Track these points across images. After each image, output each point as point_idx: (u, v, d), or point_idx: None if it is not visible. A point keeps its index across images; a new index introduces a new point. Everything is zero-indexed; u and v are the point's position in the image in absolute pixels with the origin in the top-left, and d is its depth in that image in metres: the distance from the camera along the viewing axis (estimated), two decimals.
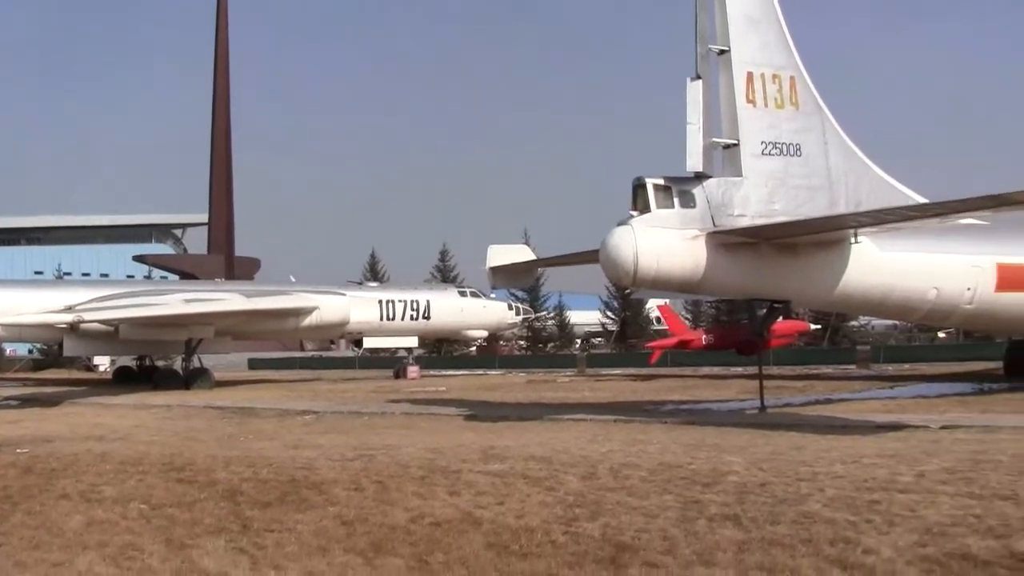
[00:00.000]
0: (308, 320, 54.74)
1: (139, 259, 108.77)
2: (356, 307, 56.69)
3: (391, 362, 66.34)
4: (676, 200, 24.47)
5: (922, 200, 27.38)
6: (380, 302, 58.46)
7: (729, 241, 24.76)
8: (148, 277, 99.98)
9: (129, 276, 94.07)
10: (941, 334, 72.87)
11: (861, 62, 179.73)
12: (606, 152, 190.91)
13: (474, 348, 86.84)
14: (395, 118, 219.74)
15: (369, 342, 62.32)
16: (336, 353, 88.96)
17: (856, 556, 10.19)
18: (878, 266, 27.05)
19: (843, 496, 13.14)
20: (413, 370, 59.63)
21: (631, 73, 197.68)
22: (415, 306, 59.76)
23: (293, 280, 61.17)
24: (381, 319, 58.39)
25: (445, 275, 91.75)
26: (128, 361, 62.18)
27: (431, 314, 60.14)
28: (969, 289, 29.27)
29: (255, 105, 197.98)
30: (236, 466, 18.01)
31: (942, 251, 28.67)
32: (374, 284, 69.53)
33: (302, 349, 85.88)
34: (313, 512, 13.73)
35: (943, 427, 21.61)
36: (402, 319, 59.16)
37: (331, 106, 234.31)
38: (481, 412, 30.23)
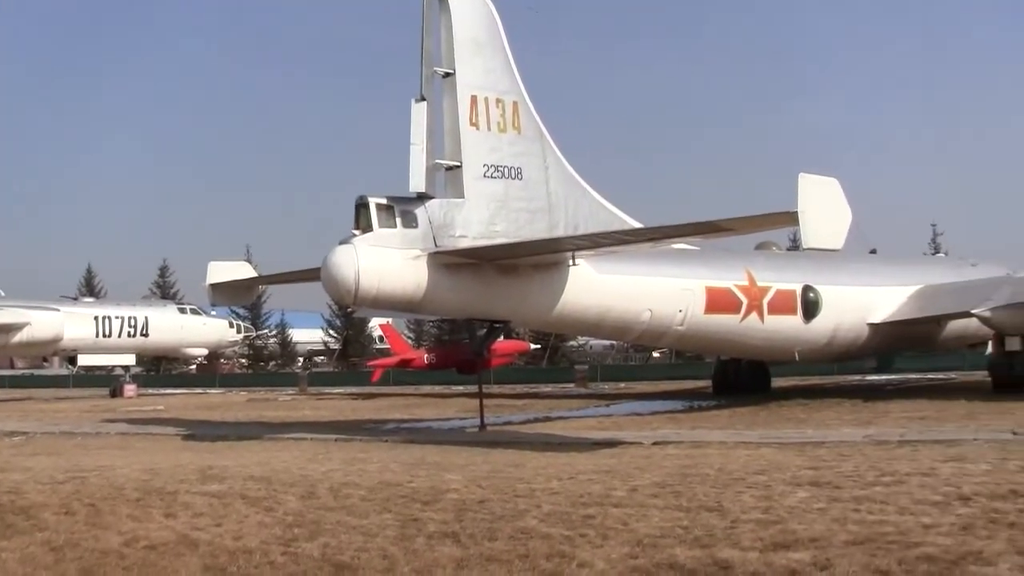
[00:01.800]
0: (18, 337, 52.56)
1: None
2: (70, 323, 54.80)
3: (107, 380, 64.21)
4: (399, 220, 24.57)
5: (637, 225, 28.34)
6: (96, 318, 56.67)
7: (451, 261, 25.03)
8: None
9: None
10: (655, 354, 75.34)
11: (582, 88, 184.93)
12: (331, 170, 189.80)
13: (194, 366, 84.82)
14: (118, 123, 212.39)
15: (84, 359, 60.26)
16: (49, 371, 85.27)
17: (571, 570, 10.46)
18: (595, 288, 27.87)
19: (559, 511, 13.44)
20: (130, 388, 58.03)
21: (357, 91, 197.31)
22: (133, 323, 58.20)
23: (2, 294, 58.41)
24: (97, 336, 56.61)
25: (165, 291, 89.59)
26: None
27: (149, 331, 58.67)
28: (681, 311, 30.50)
29: None
30: None
31: (656, 274, 29.80)
32: (90, 300, 67.37)
33: (12, 367, 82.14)
34: (19, 538, 13.14)
35: (655, 443, 22.33)
36: (119, 336, 57.52)
37: None
38: (200, 432, 29.56)
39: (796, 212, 21.39)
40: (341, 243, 24.44)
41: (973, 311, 34.31)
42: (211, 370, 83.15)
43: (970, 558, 10.13)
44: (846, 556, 10.35)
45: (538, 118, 27.35)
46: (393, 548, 11.73)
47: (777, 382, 42.98)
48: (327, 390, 60.04)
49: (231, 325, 64.66)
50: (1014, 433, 21.27)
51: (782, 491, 14.44)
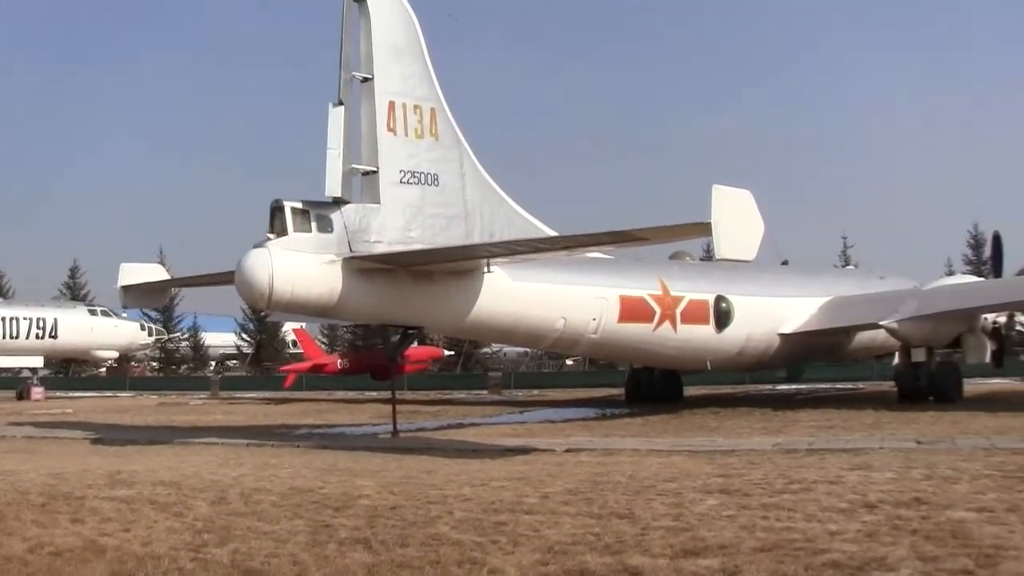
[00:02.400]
0: None
1: None
2: None
3: (14, 383, 63.11)
4: (314, 224, 24.43)
5: (553, 233, 28.46)
6: (3, 319, 55.66)
7: (365, 267, 24.95)
8: None
9: None
10: (569, 361, 75.66)
11: (502, 96, 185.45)
12: (247, 173, 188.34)
13: (104, 369, 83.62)
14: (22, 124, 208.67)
15: None
16: None
17: None
18: (510, 295, 27.95)
19: (471, 518, 13.46)
20: (37, 391, 57.27)
21: (274, 94, 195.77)
22: (41, 324, 57.35)
23: None
24: (3, 337, 55.67)
25: (75, 293, 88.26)
26: None
27: (58, 333, 57.85)
28: (594, 319, 30.68)
29: None
30: None
31: (570, 283, 29.95)
32: None
33: None
34: None
35: (568, 450, 22.44)
36: (26, 338, 56.58)
37: None
38: (108, 436, 29.21)
39: (709, 223, 21.61)
40: (255, 247, 24.22)
41: (881, 323, 34.95)
42: (122, 373, 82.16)
43: (874, 564, 10.31)
44: (754, 562, 10.48)
45: (456, 125, 27.37)
46: (304, 554, 11.67)
47: (689, 391, 43.36)
48: (240, 394, 59.62)
49: (143, 328, 63.97)
50: (918, 442, 21.70)
51: (692, 498, 14.60)
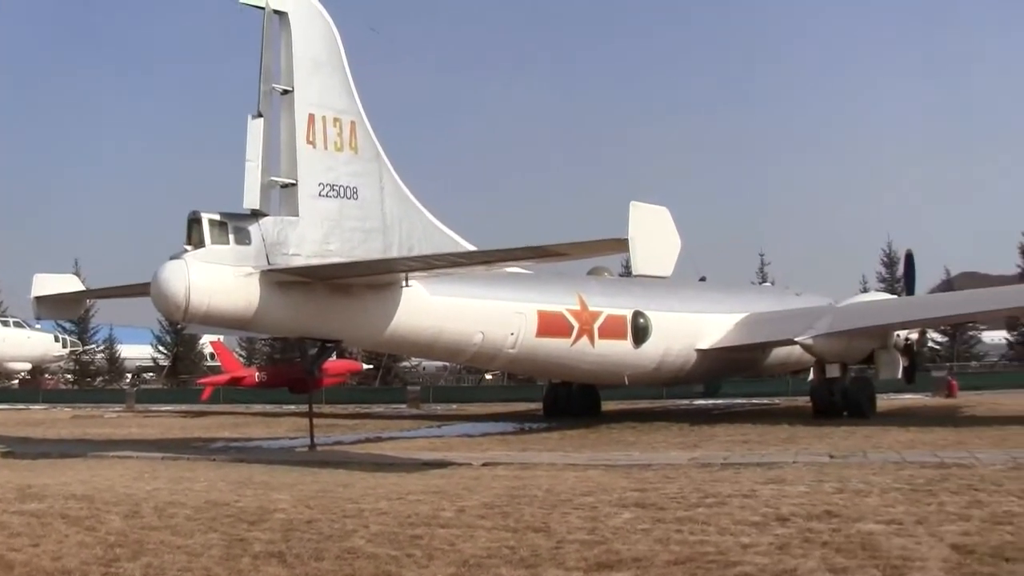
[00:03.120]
0: None
1: None
2: None
3: None
4: (231, 236, 24.28)
5: (471, 248, 28.51)
6: None
7: (283, 280, 24.82)
8: None
9: None
10: (488, 376, 75.58)
11: (423, 111, 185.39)
12: (165, 183, 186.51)
13: (16, 381, 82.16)
14: None
15: None
16: None
17: None
18: (428, 310, 27.96)
19: (387, 531, 13.44)
20: None
21: (194, 105, 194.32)
22: None
23: None
24: None
25: None
26: None
27: None
28: (512, 334, 30.77)
29: None
30: None
31: (488, 297, 30.02)
32: None
33: None
34: None
35: (485, 464, 22.48)
36: None
37: None
38: (20, 449, 28.73)
39: (627, 239, 21.77)
40: (172, 258, 24.02)
41: (796, 339, 35.45)
42: (35, 385, 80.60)
43: (785, 575, 10.47)
44: (667, 575, 10.58)
45: (375, 138, 27.35)
46: (218, 568, 11.57)
47: (607, 405, 43.56)
48: (155, 407, 58.91)
49: (56, 339, 63.10)
50: (831, 456, 22.02)
51: (608, 512, 14.69)
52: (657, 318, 35.43)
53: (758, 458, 22.17)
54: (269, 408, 53.71)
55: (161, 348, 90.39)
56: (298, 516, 14.91)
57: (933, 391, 49.13)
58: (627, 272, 46.27)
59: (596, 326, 33.37)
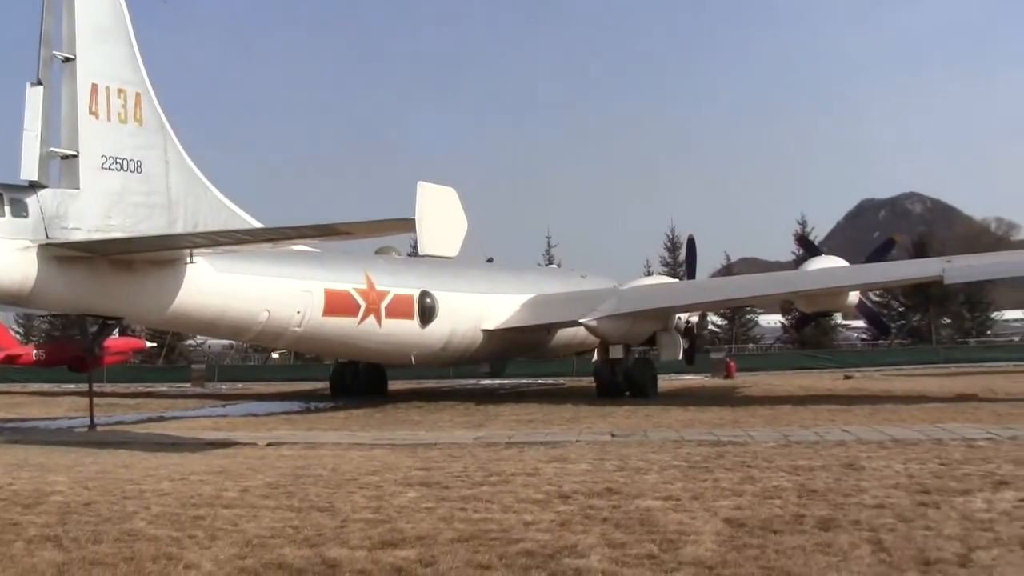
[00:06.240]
0: None
1: None
2: None
3: None
4: (7, 208, 23.32)
5: (258, 225, 28.17)
6: None
7: (62, 254, 24.02)
8: None
9: None
10: (275, 355, 74.91)
11: (215, 84, 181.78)
12: None
13: None
14: None
15: None
16: None
17: (177, 571, 10.32)
18: (213, 287, 27.52)
19: (168, 513, 13.25)
20: None
21: None
22: None
23: None
24: None
25: None
26: None
27: None
28: (299, 312, 30.55)
29: None
30: None
31: (275, 275, 29.72)
32: None
33: None
34: None
35: (269, 444, 22.35)
36: None
37: None
38: None
39: (413, 219, 21.91)
40: None
41: (581, 320, 36.17)
42: None
43: (566, 551, 10.70)
44: (450, 552, 10.72)
45: (161, 111, 26.70)
46: None
47: (394, 385, 43.76)
48: None
49: None
50: (613, 435, 22.59)
51: (393, 491, 14.81)
52: (444, 298, 35.66)
53: (542, 437, 22.59)
54: (47, 387, 52.34)
55: None
56: (76, 499, 14.57)
57: (712, 372, 50.85)
58: (415, 252, 46.47)
59: (383, 305, 33.40)
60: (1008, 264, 36.78)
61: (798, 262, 49.34)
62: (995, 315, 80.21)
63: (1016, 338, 77.33)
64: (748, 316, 79.19)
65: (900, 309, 75.38)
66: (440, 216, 22.61)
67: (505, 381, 51.17)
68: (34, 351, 52.68)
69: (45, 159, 23.99)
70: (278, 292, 29.96)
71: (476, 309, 37.42)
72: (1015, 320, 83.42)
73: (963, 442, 19.69)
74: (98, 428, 26.85)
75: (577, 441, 21.57)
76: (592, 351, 44.93)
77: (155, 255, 25.70)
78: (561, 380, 51.66)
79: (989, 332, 77.68)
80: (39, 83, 24.13)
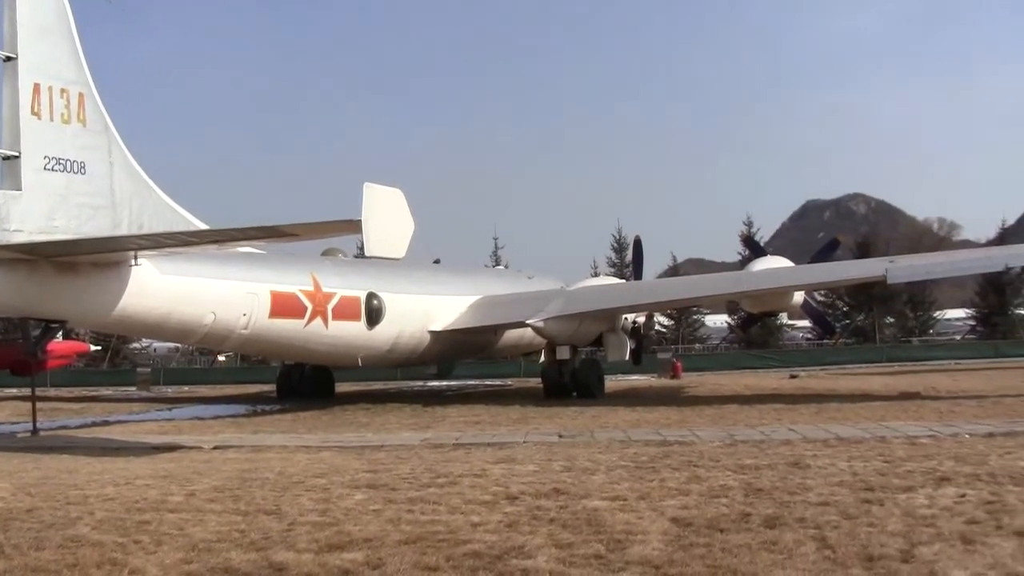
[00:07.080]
0: None
1: None
2: None
3: None
4: None
5: (203, 226, 27.99)
6: None
7: (4, 256, 23.73)
8: None
9: None
10: (221, 357, 74.41)
11: (162, 84, 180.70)
12: None
13: None
14: None
15: None
16: None
17: None
18: (158, 289, 27.31)
19: (113, 518, 13.15)
20: None
21: None
22: None
23: None
24: None
25: None
26: None
27: None
28: (245, 315, 30.38)
29: None
30: None
31: (220, 277, 29.54)
32: None
33: None
34: None
35: (216, 448, 22.22)
36: None
37: None
38: None
39: (359, 220, 21.84)
40: None
41: (528, 321, 36.24)
42: None
43: (513, 552, 10.73)
44: (398, 555, 10.71)
45: (105, 111, 26.45)
46: None
47: (342, 387, 43.63)
48: None
49: None
50: (560, 436, 22.65)
51: (340, 494, 14.78)
52: (391, 300, 35.61)
53: (489, 438, 22.61)
54: None
55: None
56: (18, 505, 14.42)
57: (659, 372, 50.98)
58: (362, 254, 46.37)
59: (330, 307, 33.30)
60: (949, 264, 37.25)
61: (744, 263, 49.60)
62: (937, 314, 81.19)
63: (958, 337, 78.41)
64: (695, 316, 79.63)
65: (844, 309, 76.07)
66: (386, 217, 22.54)
67: (452, 382, 51.14)
68: None
69: None
70: (224, 294, 29.77)
71: (423, 310, 37.39)
72: (957, 319, 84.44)
73: (906, 440, 19.94)
74: (41, 433, 26.58)
75: (524, 442, 21.61)
76: (539, 352, 45.03)
77: (99, 257, 25.44)
78: (508, 381, 51.67)
79: (932, 331, 78.61)
80: None
